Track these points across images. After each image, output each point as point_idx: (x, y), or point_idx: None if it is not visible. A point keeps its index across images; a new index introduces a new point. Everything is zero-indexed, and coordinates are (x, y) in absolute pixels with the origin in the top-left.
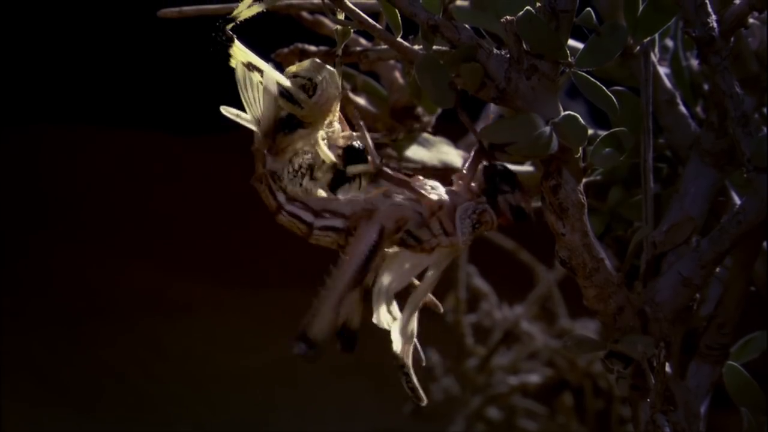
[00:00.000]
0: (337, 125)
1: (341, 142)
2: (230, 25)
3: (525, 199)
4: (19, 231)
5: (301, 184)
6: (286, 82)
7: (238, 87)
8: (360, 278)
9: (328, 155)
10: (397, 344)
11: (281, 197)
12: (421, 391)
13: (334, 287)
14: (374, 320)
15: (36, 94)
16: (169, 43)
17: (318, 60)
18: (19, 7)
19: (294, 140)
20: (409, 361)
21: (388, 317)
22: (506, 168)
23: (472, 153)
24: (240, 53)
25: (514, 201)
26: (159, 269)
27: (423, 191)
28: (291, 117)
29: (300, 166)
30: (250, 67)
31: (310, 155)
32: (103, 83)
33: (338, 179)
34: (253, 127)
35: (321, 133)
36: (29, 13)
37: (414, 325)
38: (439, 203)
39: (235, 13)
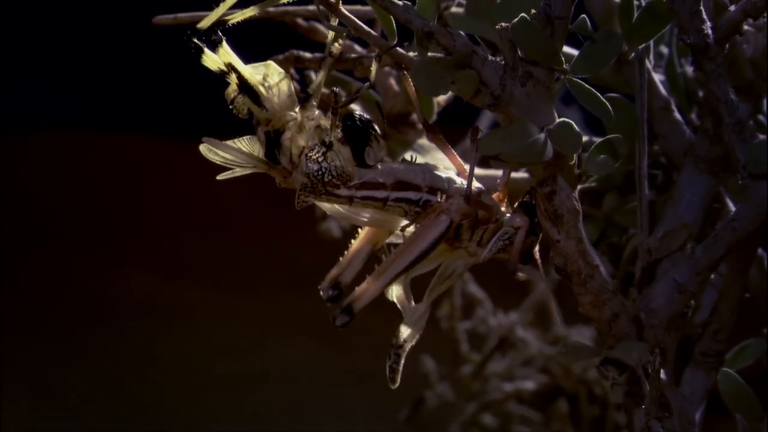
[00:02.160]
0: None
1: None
2: (220, 27)
3: (536, 243)
4: (13, 237)
5: (335, 168)
6: (259, 84)
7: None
8: (418, 263)
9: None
10: (405, 328)
11: (343, 191)
12: (398, 376)
13: (390, 267)
14: (387, 294)
15: (29, 101)
16: (164, 48)
17: (272, 63)
18: (14, 12)
19: (294, 145)
20: (407, 347)
21: (400, 294)
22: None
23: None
24: (224, 54)
25: (531, 244)
26: (153, 274)
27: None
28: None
29: (317, 160)
30: (229, 68)
31: (315, 147)
32: (97, 88)
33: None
34: (248, 166)
35: (309, 123)
36: (23, 19)
37: (426, 316)
38: (495, 218)
39: (228, 17)
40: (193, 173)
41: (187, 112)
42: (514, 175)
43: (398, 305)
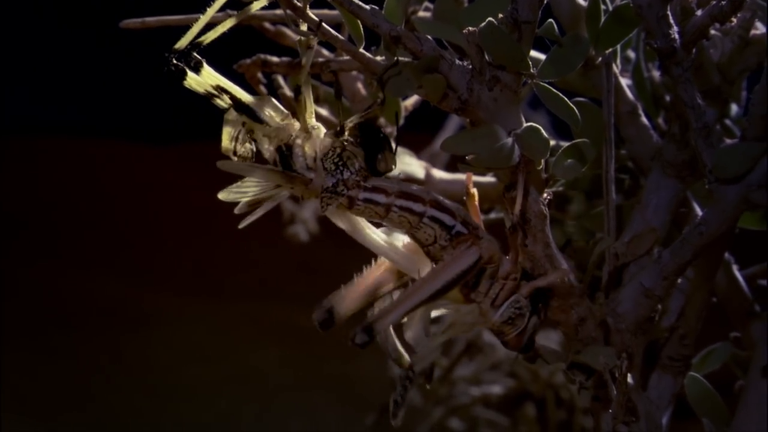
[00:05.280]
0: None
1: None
2: (196, 49)
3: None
4: None
5: (352, 172)
6: (252, 101)
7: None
8: (441, 295)
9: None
10: (416, 359)
11: (354, 192)
12: (402, 412)
13: (415, 295)
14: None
15: (3, 105)
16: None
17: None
18: None
19: (308, 152)
20: (413, 382)
21: (415, 333)
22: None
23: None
24: (209, 77)
25: (537, 329)
26: (122, 280)
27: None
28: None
29: (335, 162)
30: (219, 90)
31: (329, 152)
32: (65, 93)
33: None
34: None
35: (315, 131)
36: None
37: (435, 355)
38: (515, 275)
39: (202, 38)
40: (160, 178)
41: (156, 116)
42: (480, 179)
43: (411, 341)
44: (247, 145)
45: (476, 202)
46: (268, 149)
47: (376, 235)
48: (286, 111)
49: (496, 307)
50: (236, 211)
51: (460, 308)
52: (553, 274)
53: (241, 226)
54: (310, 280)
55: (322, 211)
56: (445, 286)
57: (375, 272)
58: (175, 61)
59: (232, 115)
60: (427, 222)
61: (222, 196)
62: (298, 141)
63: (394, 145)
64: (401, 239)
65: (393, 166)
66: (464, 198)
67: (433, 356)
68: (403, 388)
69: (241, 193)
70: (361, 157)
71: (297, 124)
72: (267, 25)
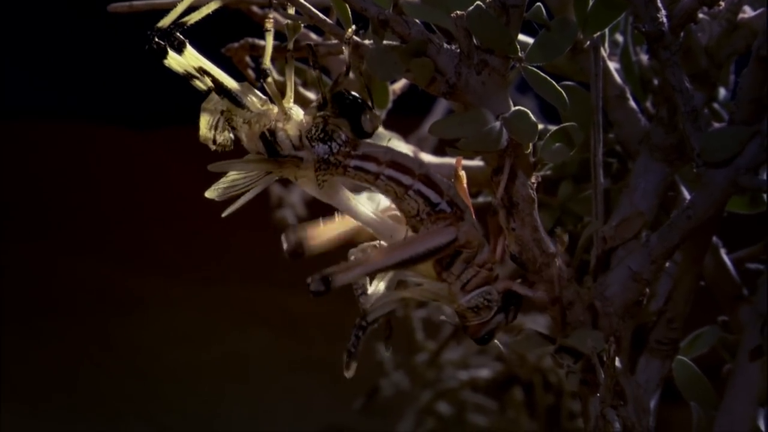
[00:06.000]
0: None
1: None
2: (180, 29)
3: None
4: None
5: (340, 142)
6: (236, 86)
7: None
8: (407, 266)
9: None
10: (375, 309)
11: (349, 161)
12: (354, 361)
13: (381, 258)
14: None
15: None
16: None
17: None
18: None
19: (291, 133)
20: (368, 330)
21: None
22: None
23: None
24: (192, 58)
25: (495, 329)
26: (109, 264)
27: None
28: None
29: (320, 137)
30: (201, 72)
31: (312, 128)
32: (52, 77)
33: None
34: (254, 166)
35: (293, 112)
36: None
37: (393, 305)
38: (491, 265)
39: (187, 18)
40: (148, 162)
41: (141, 100)
42: (469, 163)
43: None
44: (226, 133)
45: (465, 185)
46: (247, 136)
47: (355, 201)
48: (265, 97)
49: (466, 292)
50: (217, 197)
51: (430, 282)
52: (538, 292)
53: (224, 214)
54: (297, 264)
55: (320, 188)
56: (413, 257)
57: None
58: (157, 40)
59: (210, 103)
60: (412, 195)
61: (209, 194)
62: (280, 124)
63: (374, 112)
64: (383, 203)
65: (378, 123)
66: (452, 181)
67: (387, 308)
68: (356, 338)
69: (232, 188)
70: (345, 126)
71: (276, 109)
72: (255, 8)
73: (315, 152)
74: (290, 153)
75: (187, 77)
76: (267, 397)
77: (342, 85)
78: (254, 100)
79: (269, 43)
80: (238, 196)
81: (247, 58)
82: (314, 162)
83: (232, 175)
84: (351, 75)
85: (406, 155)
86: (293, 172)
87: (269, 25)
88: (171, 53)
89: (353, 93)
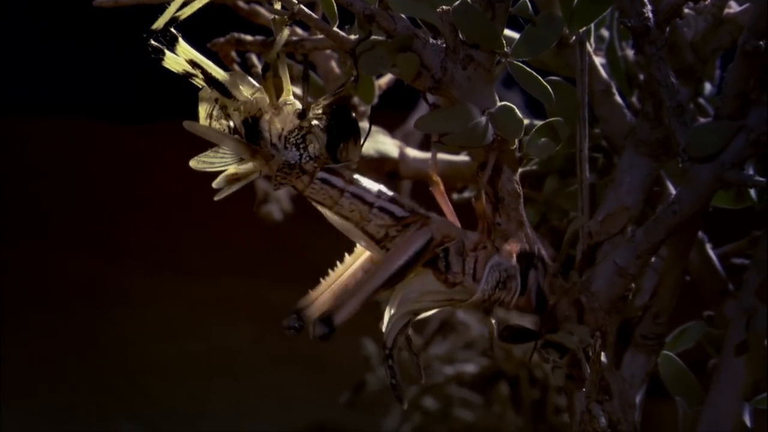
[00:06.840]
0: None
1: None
2: (173, 24)
3: (551, 289)
4: None
5: (311, 155)
6: (226, 78)
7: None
8: (396, 280)
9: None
10: (386, 335)
11: (317, 173)
12: (403, 392)
13: (369, 281)
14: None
15: None
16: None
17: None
18: None
19: (273, 128)
20: (391, 354)
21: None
22: (543, 256)
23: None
24: (184, 51)
25: (542, 283)
26: (93, 259)
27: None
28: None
29: (296, 142)
30: (193, 64)
31: (294, 130)
32: (48, 73)
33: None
34: (226, 145)
35: (287, 107)
36: None
37: (403, 320)
38: (484, 244)
39: (179, 13)
40: (135, 157)
41: (131, 95)
42: (454, 158)
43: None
44: (223, 121)
45: (442, 189)
46: (238, 124)
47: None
48: (257, 86)
49: (479, 280)
50: (214, 184)
51: (447, 290)
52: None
53: (217, 198)
54: (283, 258)
55: (275, 189)
56: (400, 268)
57: (347, 270)
58: (153, 42)
59: (207, 92)
60: (376, 213)
61: (192, 163)
62: (266, 116)
63: (362, 139)
64: None
65: (354, 161)
66: (430, 188)
67: (399, 325)
68: (389, 369)
69: (209, 162)
70: (322, 143)
71: (267, 99)
72: (240, 3)
73: (284, 154)
74: (265, 146)
75: (186, 76)
76: (252, 391)
77: (343, 93)
78: (243, 89)
79: (281, 37)
80: (231, 184)
81: (233, 53)
82: (279, 163)
83: (213, 153)
84: (338, 71)
85: (367, 186)
86: (262, 164)
87: (278, 21)
88: (168, 54)
89: (354, 117)
